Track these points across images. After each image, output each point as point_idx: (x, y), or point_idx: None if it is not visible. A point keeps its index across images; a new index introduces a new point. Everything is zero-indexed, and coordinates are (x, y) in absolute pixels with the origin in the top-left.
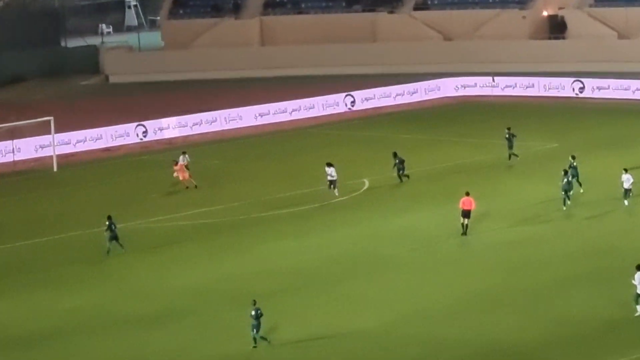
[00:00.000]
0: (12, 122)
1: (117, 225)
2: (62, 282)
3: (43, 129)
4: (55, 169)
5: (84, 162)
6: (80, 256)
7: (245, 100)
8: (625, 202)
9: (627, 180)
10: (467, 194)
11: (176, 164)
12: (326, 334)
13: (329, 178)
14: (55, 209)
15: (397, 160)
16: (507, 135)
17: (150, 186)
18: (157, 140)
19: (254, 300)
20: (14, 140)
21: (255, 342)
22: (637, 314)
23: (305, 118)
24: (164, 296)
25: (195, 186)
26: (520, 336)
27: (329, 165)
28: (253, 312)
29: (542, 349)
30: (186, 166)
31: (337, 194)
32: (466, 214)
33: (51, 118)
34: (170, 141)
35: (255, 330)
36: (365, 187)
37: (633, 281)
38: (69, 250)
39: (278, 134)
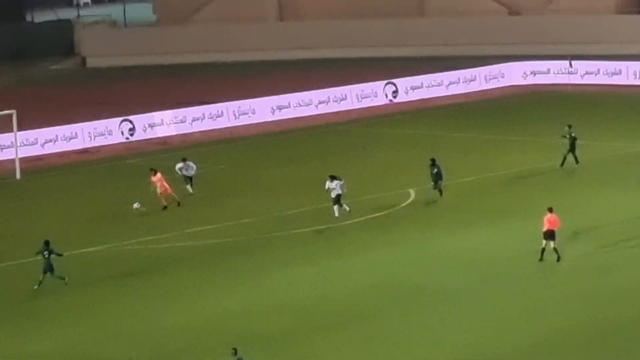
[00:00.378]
0: None
1: (95, 247)
2: (24, 320)
3: (2, 126)
4: (18, 176)
5: (54, 168)
6: (48, 287)
7: (259, 90)
8: None
9: None
10: (551, 210)
11: (155, 173)
12: None
13: (334, 194)
14: (16, 227)
15: (435, 170)
16: (568, 135)
17: (138, 198)
18: (148, 139)
19: (234, 350)
20: None
21: None
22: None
23: (335, 112)
24: (152, 338)
25: (179, 203)
26: None
27: (333, 178)
28: None
29: None
30: (189, 177)
31: (347, 209)
32: (550, 235)
33: (13, 112)
34: (164, 141)
35: None
36: (410, 200)
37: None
38: (32, 279)
39: (300, 132)
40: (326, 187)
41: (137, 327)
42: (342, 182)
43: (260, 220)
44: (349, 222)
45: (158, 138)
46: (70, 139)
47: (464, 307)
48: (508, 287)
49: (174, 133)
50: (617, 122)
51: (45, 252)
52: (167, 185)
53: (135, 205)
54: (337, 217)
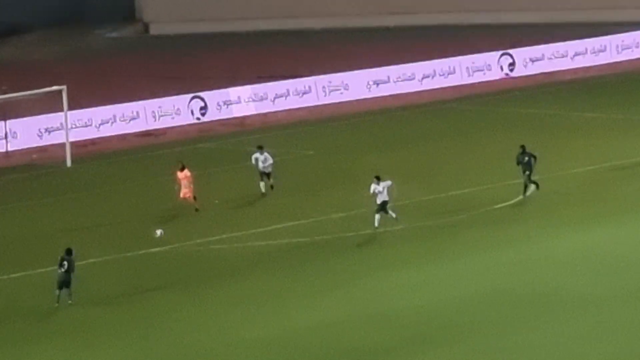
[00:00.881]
0: (4, 93)
1: (160, 247)
2: (76, 334)
3: (51, 104)
4: (68, 163)
5: (111, 153)
6: (102, 293)
7: (352, 62)
8: None
9: None
10: None
11: (183, 168)
12: None
13: (380, 199)
14: (66, 223)
15: (525, 158)
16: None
17: (211, 189)
18: (222, 120)
19: None
20: (7, 121)
21: None
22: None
23: (442, 88)
24: (226, 355)
25: (197, 209)
26: None
27: (379, 179)
28: None
29: None
30: (266, 174)
31: (394, 216)
32: None
33: (63, 87)
34: (241, 121)
35: None
36: (530, 191)
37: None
38: (87, 283)
39: (401, 112)
40: (371, 190)
41: (208, 342)
42: (389, 185)
43: (354, 215)
44: (459, 216)
45: (234, 118)
46: (130, 119)
47: (600, 315)
48: None
49: (252, 112)
50: None
51: (66, 263)
52: (191, 187)
53: (159, 232)
54: (376, 227)
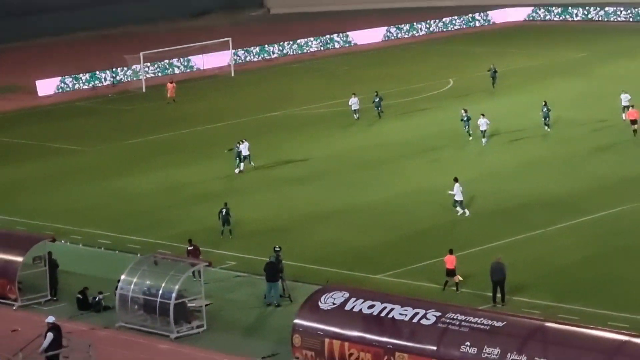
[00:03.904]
0: (202, 41)
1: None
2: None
3: (224, 46)
4: (232, 74)
5: (254, 70)
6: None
7: None
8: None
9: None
10: None
11: (172, 81)
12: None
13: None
14: (232, 103)
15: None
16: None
17: (312, 84)
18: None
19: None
20: (204, 55)
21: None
22: (459, 214)
23: None
24: (310, 163)
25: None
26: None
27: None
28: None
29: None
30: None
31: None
32: None
33: (229, 38)
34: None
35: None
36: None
37: (450, 192)
38: (236, 132)
39: None
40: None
41: (300, 157)
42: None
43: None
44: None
45: (331, 50)
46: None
47: (465, 149)
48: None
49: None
50: None
51: (224, 212)
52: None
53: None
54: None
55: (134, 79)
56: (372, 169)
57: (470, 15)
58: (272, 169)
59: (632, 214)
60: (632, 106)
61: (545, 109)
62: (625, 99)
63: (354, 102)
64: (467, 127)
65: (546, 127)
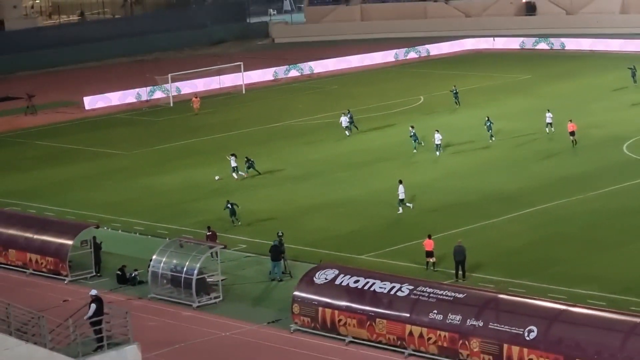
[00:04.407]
0: (219, 65)
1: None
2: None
3: (236, 69)
4: (243, 92)
5: (261, 88)
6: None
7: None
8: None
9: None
10: None
11: (196, 96)
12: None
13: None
14: (243, 115)
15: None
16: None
17: (309, 100)
18: (308, 75)
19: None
20: (220, 76)
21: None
22: (399, 212)
23: None
24: (306, 164)
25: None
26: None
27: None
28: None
29: (522, 192)
30: None
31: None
32: None
33: (241, 63)
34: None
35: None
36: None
37: (398, 191)
38: (246, 139)
39: None
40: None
41: (299, 160)
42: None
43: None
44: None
45: (312, 74)
46: (266, 75)
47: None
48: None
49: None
50: None
51: (230, 205)
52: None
53: (217, 178)
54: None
55: (163, 95)
56: (356, 169)
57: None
58: (276, 169)
59: (567, 206)
60: (571, 120)
61: (489, 122)
62: (549, 117)
63: (343, 120)
64: (416, 140)
65: (491, 138)
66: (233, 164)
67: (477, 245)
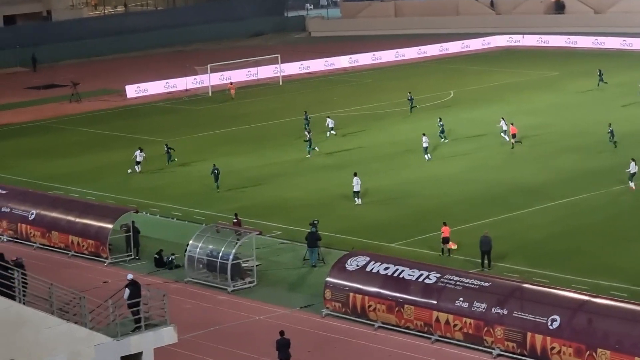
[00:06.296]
0: (257, 57)
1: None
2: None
3: (274, 61)
4: (280, 83)
5: (297, 80)
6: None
7: None
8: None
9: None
10: None
11: (231, 83)
12: None
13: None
14: (280, 106)
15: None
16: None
17: (343, 92)
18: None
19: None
20: (258, 67)
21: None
22: (355, 204)
23: None
24: (340, 155)
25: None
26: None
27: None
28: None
29: (546, 185)
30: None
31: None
32: None
33: (278, 55)
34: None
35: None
36: None
37: (353, 183)
38: (282, 129)
39: None
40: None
41: (331, 149)
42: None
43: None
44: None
45: (338, 68)
46: (304, 68)
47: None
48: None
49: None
50: None
51: (214, 170)
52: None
53: (130, 171)
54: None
55: (203, 85)
56: (388, 160)
57: (467, 40)
58: (309, 158)
59: (591, 199)
60: (512, 123)
61: (441, 123)
62: (503, 124)
63: (330, 121)
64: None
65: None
66: (139, 158)
67: (503, 236)
